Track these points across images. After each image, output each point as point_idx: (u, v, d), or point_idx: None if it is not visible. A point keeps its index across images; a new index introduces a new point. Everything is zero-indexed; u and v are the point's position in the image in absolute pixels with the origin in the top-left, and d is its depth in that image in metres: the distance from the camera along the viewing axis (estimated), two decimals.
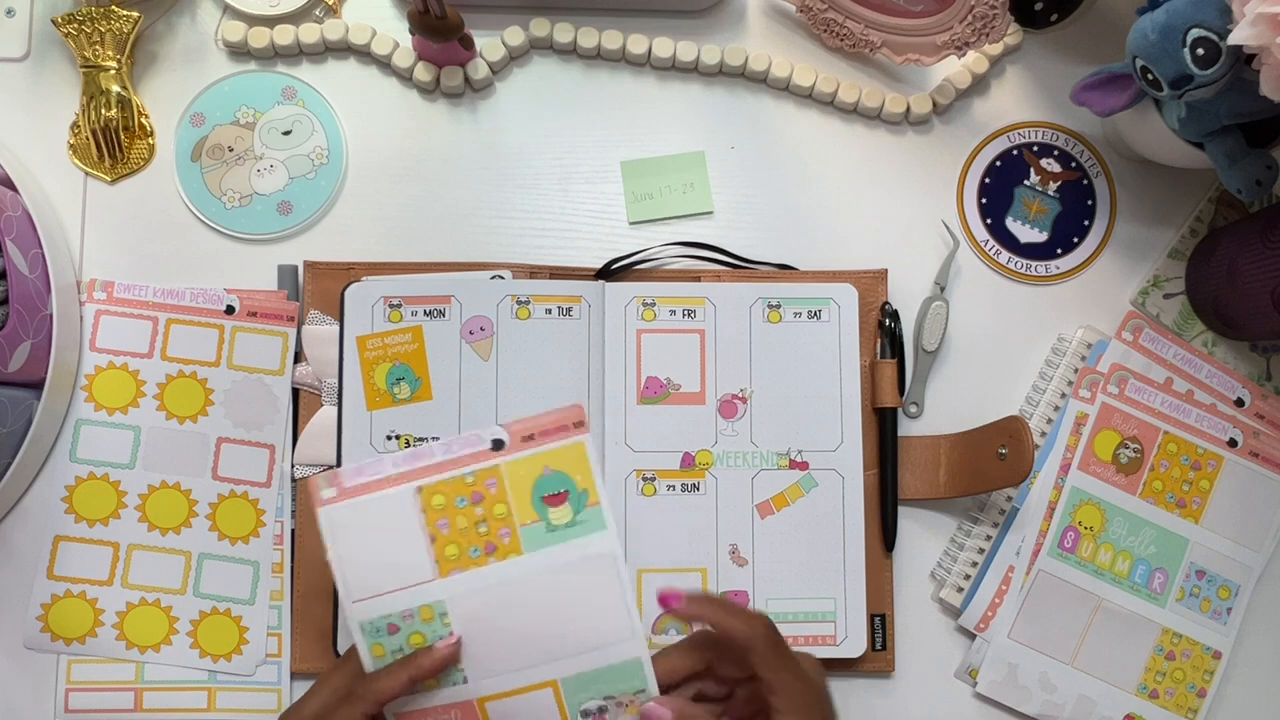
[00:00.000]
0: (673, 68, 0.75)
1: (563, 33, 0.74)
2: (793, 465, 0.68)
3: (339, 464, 0.67)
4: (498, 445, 0.53)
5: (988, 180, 0.74)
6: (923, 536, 0.70)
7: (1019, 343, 0.73)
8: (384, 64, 0.74)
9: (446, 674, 0.54)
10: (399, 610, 0.53)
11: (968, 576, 0.69)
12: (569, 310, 0.69)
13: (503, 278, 0.70)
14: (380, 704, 0.53)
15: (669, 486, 0.68)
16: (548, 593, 0.53)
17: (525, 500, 0.53)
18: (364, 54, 0.74)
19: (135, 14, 0.71)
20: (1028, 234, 0.73)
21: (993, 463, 0.66)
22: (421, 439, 0.67)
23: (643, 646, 0.54)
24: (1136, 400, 0.70)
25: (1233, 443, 0.71)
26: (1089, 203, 0.74)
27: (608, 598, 0.54)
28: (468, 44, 0.72)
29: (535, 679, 0.54)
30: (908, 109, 0.74)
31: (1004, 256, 0.73)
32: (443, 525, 0.53)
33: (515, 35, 0.73)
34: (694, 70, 0.75)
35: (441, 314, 0.68)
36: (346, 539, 0.52)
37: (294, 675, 0.68)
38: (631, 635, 0.54)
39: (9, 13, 0.74)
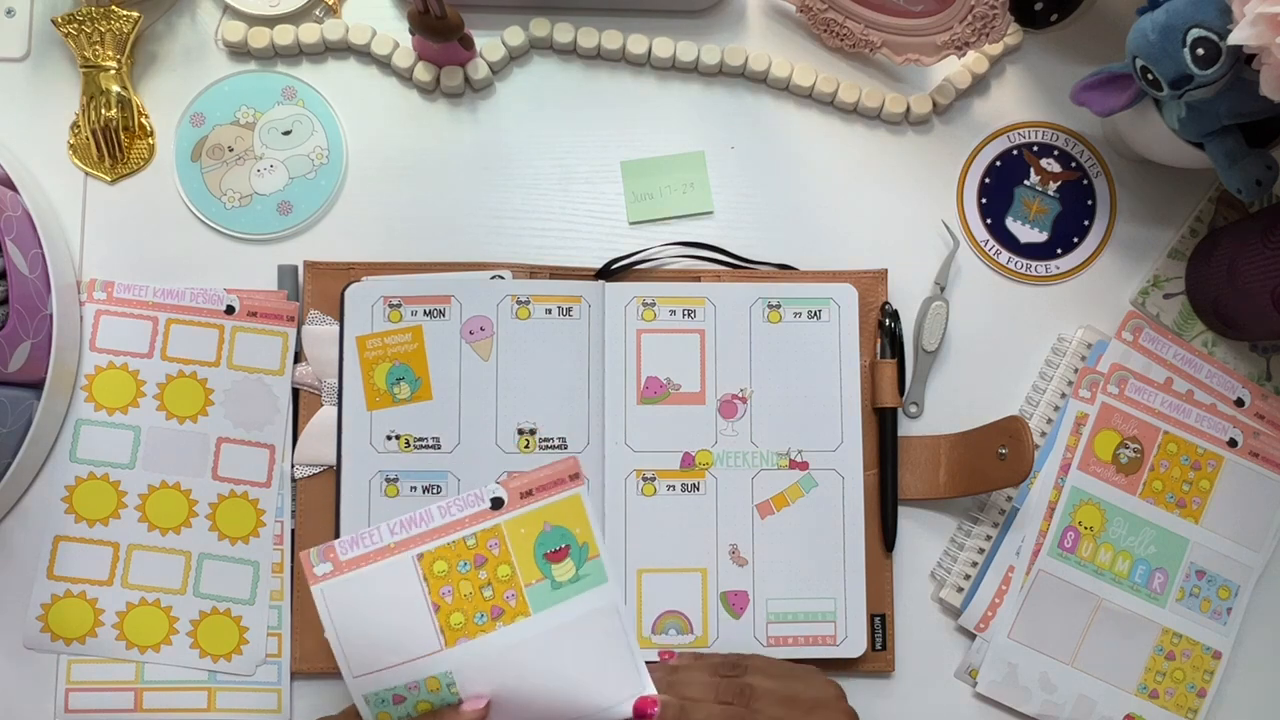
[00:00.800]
0: (673, 68, 0.75)
1: (563, 33, 0.74)
2: (793, 465, 0.68)
3: (339, 464, 0.67)
4: (497, 504, 0.52)
5: (988, 180, 0.74)
6: (923, 536, 0.70)
7: (1019, 343, 0.73)
8: (384, 64, 0.74)
9: None
10: (404, 682, 0.52)
11: (968, 576, 0.69)
12: (569, 310, 0.69)
13: (503, 278, 0.70)
14: None
15: (669, 486, 0.68)
16: (556, 651, 0.52)
17: (528, 558, 0.52)
18: (364, 54, 0.74)
19: (135, 14, 0.71)
20: (1028, 234, 0.73)
21: (993, 463, 0.66)
22: (421, 439, 0.67)
23: (649, 686, 0.54)
24: (1136, 400, 0.70)
25: (1233, 443, 0.71)
26: (1089, 203, 0.74)
27: (615, 650, 0.54)
28: (468, 44, 0.72)
29: None
30: (908, 109, 0.74)
31: (1004, 256, 0.73)
32: (446, 593, 0.51)
33: (515, 35, 0.73)
34: (694, 70, 0.75)
35: (441, 314, 0.68)
36: (345, 615, 0.51)
37: (294, 675, 0.68)
38: (642, 689, 0.53)
39: (9, 13, 0.74)
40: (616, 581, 0.53)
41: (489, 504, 0.51)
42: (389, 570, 0.51)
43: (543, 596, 0.52)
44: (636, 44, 0.74)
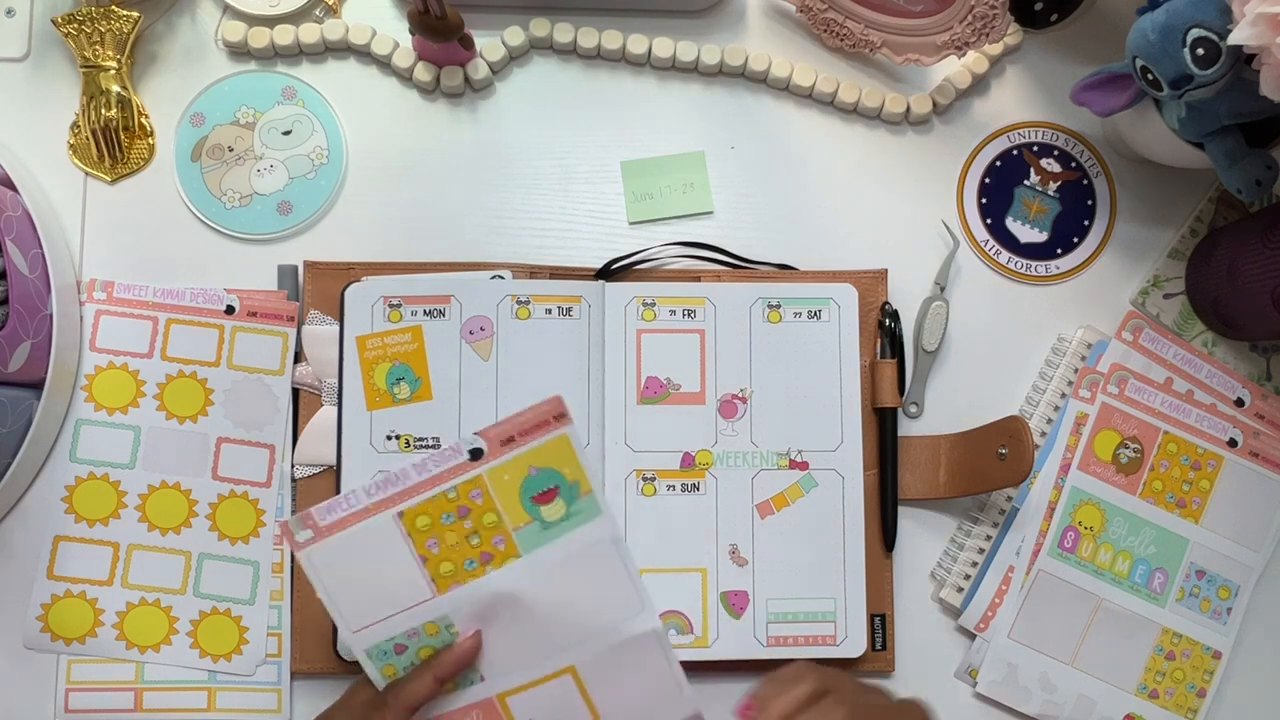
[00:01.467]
0: (673, 68, 0.75)
1: (563, 33, 0.74)
2: (793, 465, 0.68)
3: (339, 464, 0.67)
4: (476, 454, 0.51)
5: (988, 180, 0.74)
6: (923, 536, 0.70)
7: (1019, 343, 0.73)
8: (384, 64, 0.74)
9: (463, 676, 0.54)
10: (403, 630, 0.52)
11: (968, 576, 0.69)
12: (569, 310, 0.69)
13: (503, 278, 0.70)
14: (411, 709, 0.52)
15: (669, 486, 0.68)
16: (553, 587, 0.53)
17: (515, 504, 0.52)
18: (364, 54, 0.74)
19: (135, 14, 0.71)
20: (1028, 234, 0.73)
21: (993, 463, 0.66)
22: (421, 439, 0.67)
23: (655, 619, 0.54)
24: (1136, 400, 0.70)
25: (1233, 443, 0.71)
26: (1089, 203, 0.74)
27: (613, 579, 0.54)
28: (468, 44, 0.72)
29: (553, 667, 0.54)
30: (908, 109, 0.74)
31: (1004, 256, 0.73)
32: (432, 545, 0.52)
33: (515, 35, 0.73)
34: (694, 70, 0.75)
35: (441, 314, 0.68)
36: (334, 576, 0.51)
37: (294, 675, 0.68)
38: (642, 609, 0.54)
39: (9, 13, 0.74)
40: (611, 514, 0.53)
41: (467, 456, 0.51)
42: (370, 530, 0.51)
43: (532, 538, 0.53)
44: (636, 44, 0.74)
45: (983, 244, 0.73)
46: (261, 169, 0.72)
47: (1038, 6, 0.74)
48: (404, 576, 0.52)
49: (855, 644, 0.67)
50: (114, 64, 0.72)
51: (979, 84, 0.75)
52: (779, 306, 0.69)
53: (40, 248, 0.67)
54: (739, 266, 0.71)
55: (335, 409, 0.68)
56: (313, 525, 0.51)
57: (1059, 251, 0.73)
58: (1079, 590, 0.69)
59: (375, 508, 0.51)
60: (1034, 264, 0.73)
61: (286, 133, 0.73)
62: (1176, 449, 0.70)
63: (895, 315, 0.70)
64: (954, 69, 0.74)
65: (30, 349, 0.65)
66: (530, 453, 0.52)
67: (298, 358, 0.69)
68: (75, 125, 0.73)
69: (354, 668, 0.66)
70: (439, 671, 0.52)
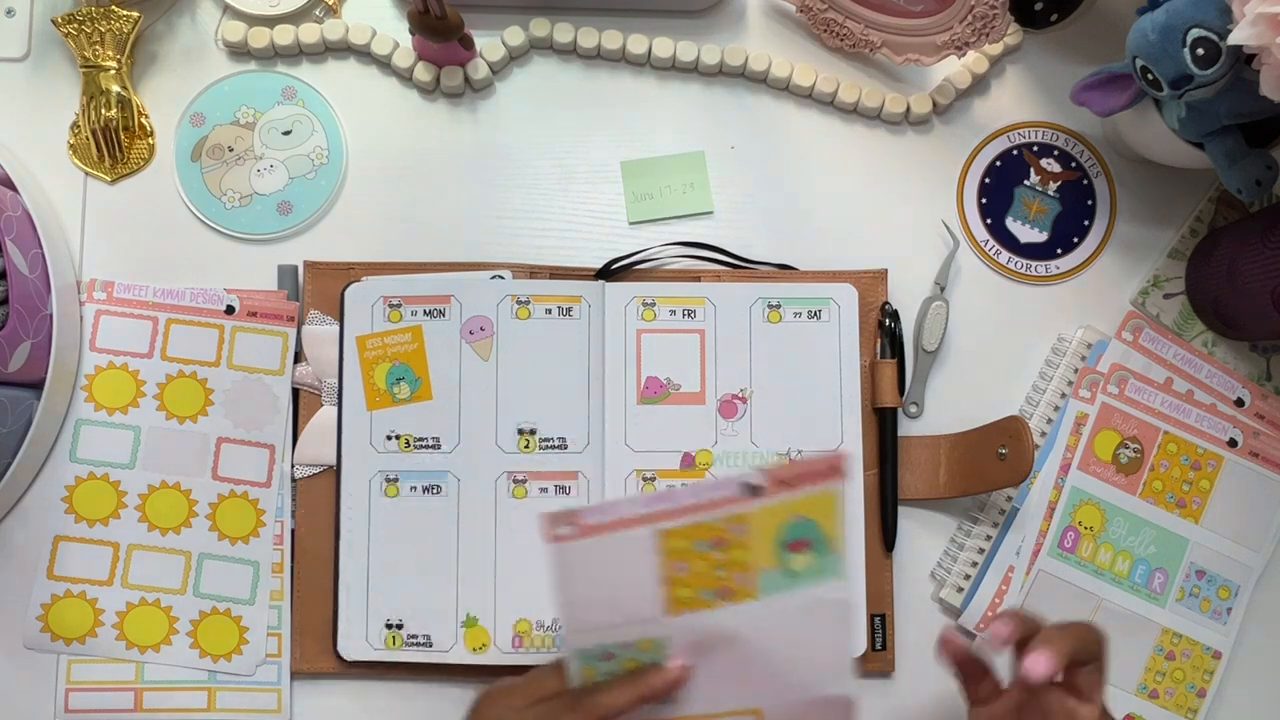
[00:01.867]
0: (673, 68, 0.75)
1: (563, 33, 0.74)
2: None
3: (339, 464, 0.67)
4: (753, 491, 0.49)
5: (988, 180, 0.74)
6: (923, 536, 0.70)
7: (1019, 343, 0.72)
8: (384, 64, 0.74)
9: None
10: (619, 641, 0.51)
11: (968, 576, 0.69)
12: (569, 310, 0.69)
13: (502, 278, 0.70)
14: (601, 718, 0.51)
15: (669, 486, 0.68)
16: (775, 635, 0.52)
17: (768, 546, 0.50)
18: (364, 54, 0.74)
19: (135, 14, 0.71)
20: (1028, 234, 0.73)
21: (993, 463, 0.66)
22: (422, 439, 0.67)
23: (852, 685, 0.53)
24: (1136, 400, 0.70)
25: (1233, 443, 0.71)
26: (1089, 203, 0.74)
27: (833, 641, 0.53)
28: (468, 44, 0.72)
29: (741, 704, 0.53)
30: (908, 109, 0.74)
31: (1004, 256, 0.73)
32: (680, 568, 0.50)
33: (515, 35, 0.73)
34: (694, 70, 0.75)
35: (441, 314, 0.68)
36: (575, 574, 0.50)
37: (294, 675, 0.68)
38: (845, 672, 0.53)
39: (9, 13, 0.74)
40: (851, 578, 0.52)
41: (744, 491, 0.49)
42: (627, 540, 0.49)
43: (773, 583, 0.51)
44: (636, 44, 0.74)
45: (983, 244, 0.73)
46: (261, 169, 0.72)
47: (1038, 6, 0.74)
48: (642, 591, 0.50)
49: (855, 644, 0.67)
50: (114, 64, 0.72)
51: (979, 84, 0.75)
52: (779, 306, 0.69)
53: (40, 248, 0.67)
54: (739, 266, 0.71)
55: (335, 409, 0.68)
56: (577, 523, 0.48)
57: (1059, 251, 0.73)
58: (1079, 590, 0.69)
59: (640, 520, 0.49)
60: (1034, 264, 0.73)
61: (286, 133, 0.73)
62: (1176, 449, 0.70)
63: (895, 315, 0.70)
64: (954, 69, 0.74)
65: (30, 349, 0.65)
66: (800, 500, 0.50)
67: (298, 358, 0.69)
68: (75, 125, 0.73)
69: (354, 668, 0.66)
70: (646, 691, 0.51)
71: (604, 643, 0.51)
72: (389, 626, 0.66)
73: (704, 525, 0.49)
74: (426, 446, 0.67)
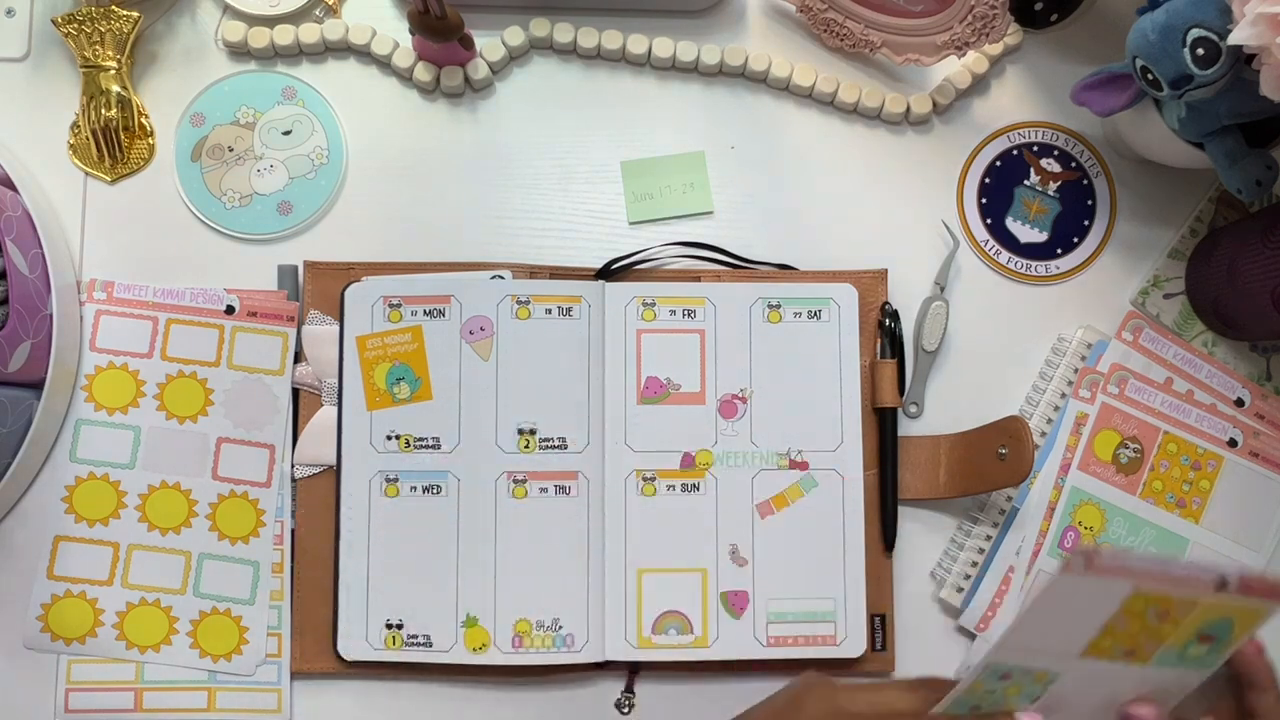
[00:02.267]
0: (673, 68, 0.75)
1: (563, 33, 0.74)
2: (793, 465, 0.68)
3: (339, 464, 0.67)
4: (1222, 586, 0.49)
5: (988, 180, 0.74)
6: (923, 536, 0.70)
7: (1019, 343, 0.72)
8: (384, 64, 0.74)
9: None
10: (1024, 665, 0.50)
11: (968, 576, 0.69)
12: (569, 310, 0.69)
13: (502, 278, 0.70)
14: None
15: (669, 486, 0.68)
16: (1121, 695, 0.52)
17: (1191, 630, 0.51)
18: (364, 54, 0.74)
19: (135, 14, 0.71)
20: (1028, 234, 0.73)
21: (993, 463, 0.66)
22: (421, 439, 0.67)
23: None
24: (1136, 400, 0.70)
25: (1233, 443, 0.71)
26: (1089, 203, 0.74)
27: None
28: (468, 44, 0.72)
29: None
30: (908, 109, 0.74)
31: (1004, 256, 0.73)
32: (1120, 623, 0.50)
33: (515, 35, 0.73)
34: (694, 70, 0.75)
35: (441, 314, 0.68)
36: (1047, 605, 0.48)
37: (294, 675, 0.68)
38: None
39: (9, 13, 0.74)
40: (1206, 674, 0.52)
41: (1217, 583, 0.49)
42: (1107, 587, 0.48)
43: (1168, 658, 0.51)
44: (636, 44, 0.74)
45: (983, 244, 0.73)
46: (261, 169, 0.72)
47: (1038, 6, 0.74)
48: (1080, 631, 0.50)
49: (855, 644, 0.67)
50: (114, 64, 0.72)
51: (979, 84, 0.75)
52: (779, 306, 0.69)
53: (40, 248, 0.67)
54: (739, 266, 0.71)
55: (335, 409, 0.68)
56: (1091, 562, 0.47)
57: (1059, 251, 0.73)
58: None
59: (1131, 574, 0.48)
60: (1034, 264, 0.73)
61: (286, 133, 0.73)
62: (1176, 449, 0.70)
63: (895, 315, 0.70)
64: (954, 69, 0.74)
65: (30, 349, 0.65)
66: (1240, 606, 0.50)
67: (298, 358, 0.69)
68: (75, 125, 0.73)
69: (354, 668, 0.66)
70: None
71: (1014, 664, 0.50)
72: (389, 626, 0.66)
73: (1166, 598, 0.49)
74: (426, 446, 0.67)
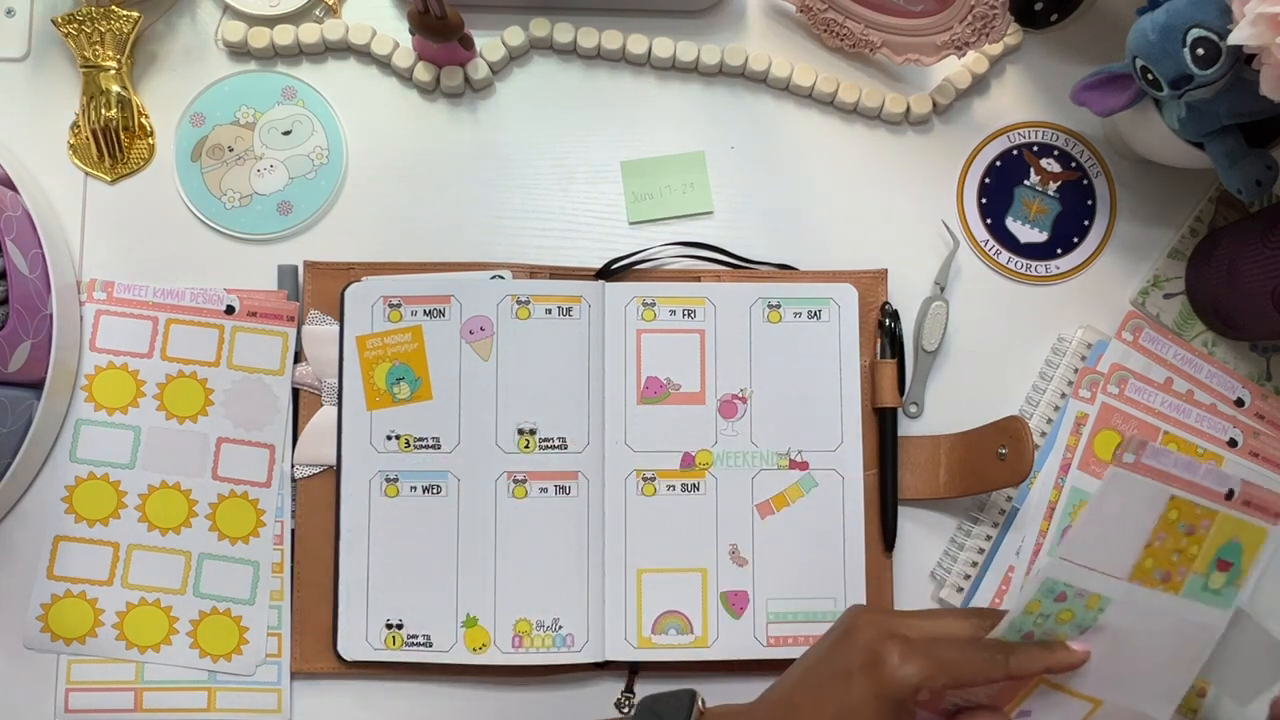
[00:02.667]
0: (673, 68, 0.75)
1: (563, 33, 0.74)
2: (793, 465, 0.68)
3: (339, 464, 0.67)
4: (1229, 495, 0.52)
5: (988, 180, 0.74)
6: (923, 536, 0.70)
7: (1019, 343, 0.73)
8: (384, 64, 0.74)
9: None
10: (1079, 586, 0.51)
11: (968, 576, 0.69)
12: (569, 310, 0.69)
13: (502, 277, 0.70)
14: (1008, 678, 0.50)
15: (669, 486, 0.68)
16: (1153, 632, 0.53)
17: (1210, 552, 0.53)
18: (364, 54, 0.75)
19: (135, 14, 0.71)
20: (1028, 234, 0.73)
21: (993, 463, 0.66)
22: (422, 439, 0.67)
23: (1168, 715, 0.54)
24: (1136, 400, 0.70)
25: (1233, 443, 0.71)
26: (1089, 203, 0.74)
27: (1186, 662, 0.54)
28: (468, 44, 0.72)
29: (1094, 690, 0.53)
30: (908, 109, 0.74)
31: (1004, 256, 0.73)
32: (1161, 538, 0.52)
33: (515, 35, 0.73)
34: (694, 70, 0.75)
35: (441, 314, 0.68)
36: (1106, 504, 0.51)
37: (294, 675, 0.68)
38: (1176, 698, 0.54)
39: (9, 13, 0.74)
40: (1231, 612, 0.54)
41: (1225, 491, 0.52)
42: (1148, 491, 0.51)
43: (1193, 589, 0.53)
44: (636, 44, 0.74)
45: (983, 244, 0.73)
46: (261, 169, 0.72)
47: (1038, 6, 0.74)
48: (1129, 546, 0.51)
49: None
50: (114, 64, 0.72)
51: (979, 84, 0.75)
52: (779, 306, 0.69)
53: (40, 248, 0.67)
54: (739, 266, 0.71)
55: (335, 409, 0.68)
56: (1139, 456, 0.50)
57: (1059, 251, 0.73)
58: None
59: (1162, 477, 0.51)
60: (1034, 264, 0.73)
61: (286, 133, 0.73)
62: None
63: (895, 315, 0.70)
64: (954, 69, 0.74)
65: (30, 349, 0.65)
66: (1243, 524, 0.52)
67: (298, 358, 0.69)
68: (75, 125, 0.73)
69: (354, 668, 0.66)
70: (1052, 665, 0.50)
71: (1069, 582, 0.51)
72: (389, 626, 0.66)
73: (1193, 506, 0.51)
74: (426, 446, 0.67)
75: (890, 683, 0.48)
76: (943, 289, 0.72)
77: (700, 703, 0.57)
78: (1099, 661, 0.53)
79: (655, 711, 0.56)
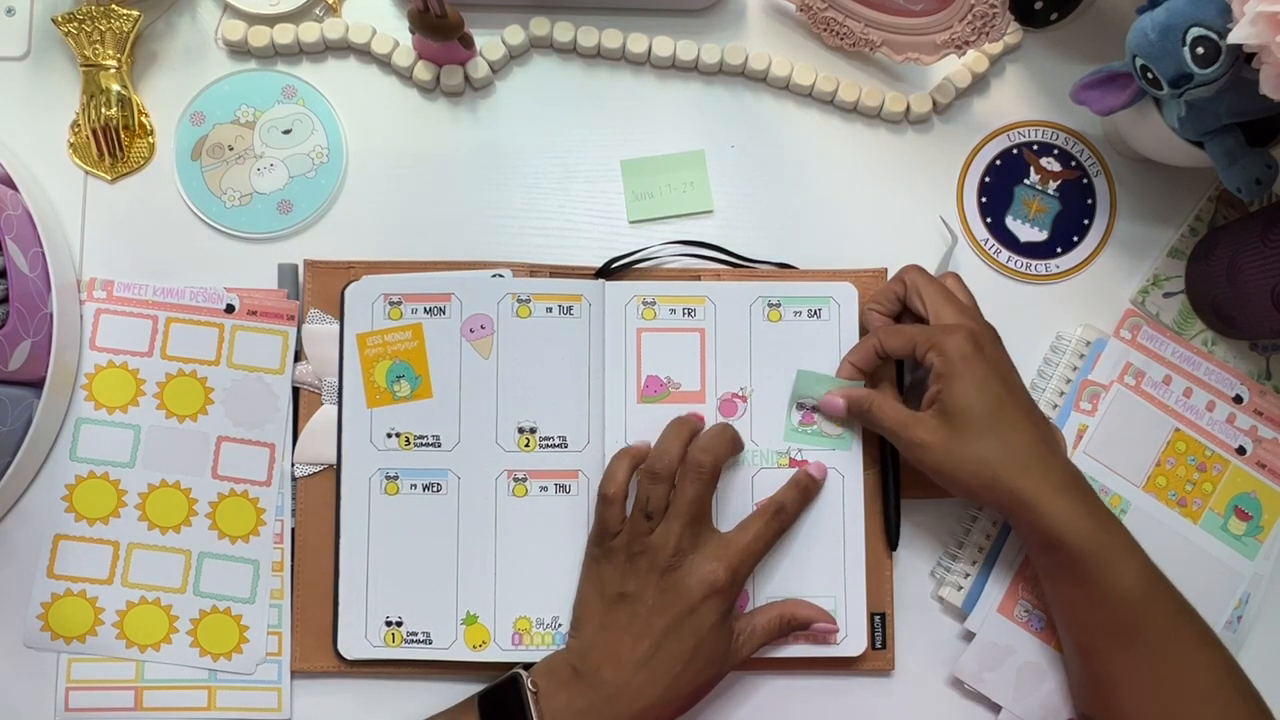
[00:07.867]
0: (673, 67, 0.75)
1: (563, 32, 0.74)
2: (793, 464, 0.68)
3: (339, 462, 0.67)
4: (1240, 452, 0.68)
5: (988, 179, 0.74)
6: (923, 535, 0.70)
7: (1018, 342, 0.72)
8: (384, 63, 0.74)
9: None
10: (1099, 483, 0.66)
11: (968, 575, 0.69)
12: (569, 309, 0.69)
13: (503, 276, 0.70)
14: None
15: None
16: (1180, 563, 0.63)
17: (1227, 496, 0.68)
18: (364, 53, 0.75)
19: (135, 13, 0.71)
20: (1027, 233, 0.73)
21: None
22: (422, 437, 0.67)
23: None
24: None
25: (1241, 450, 0.71)
26: (1089, 202, 0.74)
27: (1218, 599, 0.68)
28: (468, 43, 0.72)
29: None
30: (908, 108, 0.74)
31: (1004, 255, 0.73)
32: (1170, 463, 0.67)
33: (515, 34, 0.74)
34: (694, 69, 0.75)
35: (442, 312, 0.68)
36: (1114, 416, 0.68)
37: (294, 674, 0.68)
38: None
39: (9, 12, 0.74)
40: (1250, 564, 0.68)
41: (1237, 449, 0.68)
42: (1154, 417, 0.69)
43: (1210, 523, 0.68)
44: (636, 43, 0.74)
45: (982, 243, 0.73)
46: (261, 168, 0.72)
47: (1038, 5, 0.74)
48: (1142, 456, 0.68)
49: (855, 643, 0.67)
50: (114, 63, 0.72)
51: (979, 83, 0.75)
52: (779, 305, 0.69)
53: (40, 247, 0.67)
54: (739, 265, 0.72)
55: (335, 407, 0.68)
56: (1138, 383, 0.67)
57: (1059, 250, 0.73)
58: None
59: (1168, 411, 0.69)
60: (1034, 263, 0.73)
61: (286, 132, 0.73)
62: (1185, 448, 0.70)
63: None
64: (954, 68, 0.74)
65: (30, 348, 0.65)
66: (1266, 485, 0.69)
67: (298, 356, 0.69)
68: (75, 124, 0.73)
69: (354, 666, 0.67)
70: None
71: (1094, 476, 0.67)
72: (389, 624, 0.66)
73: (1201, 446, 0.68)
74: (427, 444, 0.67)
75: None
76: None
77: (530, 684, 0.61)
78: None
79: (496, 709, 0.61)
